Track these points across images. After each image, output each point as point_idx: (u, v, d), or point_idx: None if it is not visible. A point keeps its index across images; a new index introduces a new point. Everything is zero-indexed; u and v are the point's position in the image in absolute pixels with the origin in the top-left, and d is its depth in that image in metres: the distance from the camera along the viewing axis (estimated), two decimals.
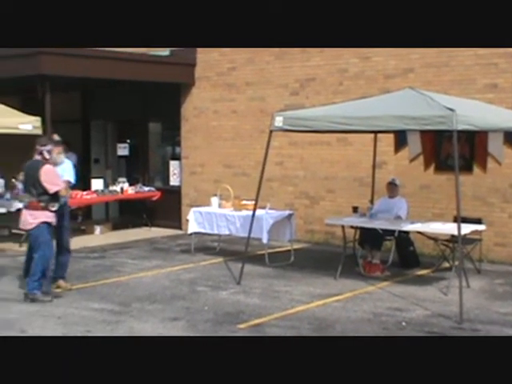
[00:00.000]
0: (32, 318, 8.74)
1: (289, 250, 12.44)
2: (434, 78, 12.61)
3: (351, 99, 11.82)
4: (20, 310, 9.10)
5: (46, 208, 9.36)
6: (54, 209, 9.42)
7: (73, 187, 11.19)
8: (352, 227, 11.57)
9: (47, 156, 9.47)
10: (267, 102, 14.72)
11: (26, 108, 13.50)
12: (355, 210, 11.96)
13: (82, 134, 18.26)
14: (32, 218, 9.39)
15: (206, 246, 13.65)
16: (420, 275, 11.24)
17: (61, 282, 10.19)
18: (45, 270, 9.52)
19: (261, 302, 9.54)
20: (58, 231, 10.01)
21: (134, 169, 17.12)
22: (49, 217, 9.42)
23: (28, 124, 12.62)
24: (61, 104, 14.61)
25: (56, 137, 10.29)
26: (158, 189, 16.26)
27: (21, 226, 9.82)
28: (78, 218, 15.60)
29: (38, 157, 9.51)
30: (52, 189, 9.33)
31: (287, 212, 12.47)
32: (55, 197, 9.41)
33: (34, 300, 9.40)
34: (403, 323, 8.49)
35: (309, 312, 9.01)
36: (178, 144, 16.47)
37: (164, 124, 17.16)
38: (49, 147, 9.52)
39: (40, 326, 8.38)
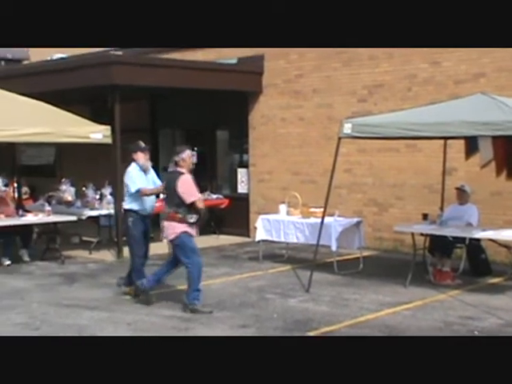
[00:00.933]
0: (103, 324, 8.84)
1: (357, 258, 12.33)
2: (507, 83, 12.35)
3: (420, 105, 11.67)
4: (91, 316, 9.21)
5: (183, 220, 9.22)
6: (192, 221, 9.23)
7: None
8: (422, 234, 11.40)
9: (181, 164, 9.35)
10: (335, 109, 14.65)
11: (96, 117, 13.69)
12: (425, 217, 11.78)
13: (151, 142, 18.42)
14: (171, 229, 9.33)
15: (273, 253, 13.62)
16: (492, 283, 11.02)
17: (129, 289, 10.28)
18: (199, 278, 9.53)
19: (330, 309, 9.47)
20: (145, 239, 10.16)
21: (202, 177, 17.17)
22: (187, 227, 9.29)
23: (98, 133, 12.76)
24: (129, 113, 14.79)
25: (141, 143, 10.31)
26: (225, 196, 16.32)
27: (163, 237, 9.92)
28: None
29: (174, 167, 9.43)
30: (188, 199, 9.17)
31: (356, 219, 12.38)
32: (193, 208, 9.24)
33: (194, 311, 9.30)
34: (476, 332, 8.32)
35: (379, 320, 8.90)
36: (246, 152, 16.51)
37: (231, 132, 17.21)
38: (183, 155, 9.39)
39: (111, 332, 8.46)
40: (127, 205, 10.11)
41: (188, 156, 9.37)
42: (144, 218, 10.08)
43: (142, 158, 10.07)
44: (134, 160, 10.15)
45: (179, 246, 9.37)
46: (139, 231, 10.03)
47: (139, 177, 10.03)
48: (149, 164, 10.21)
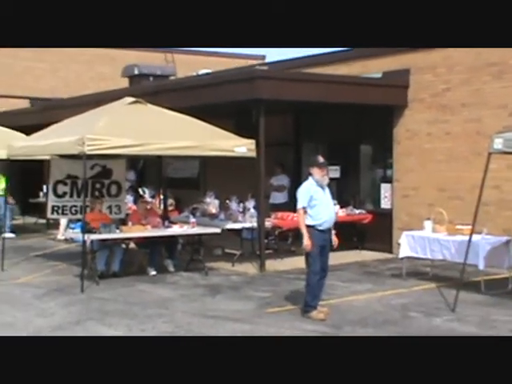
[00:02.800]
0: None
1: (506, 278, 11.85)
2: None
3: None
4: (233, 328, 9.25)
5: None
6: None
7: None
8: None
9: None
10: (484, 124, 14.19)
11: (240, 131, 13.84)
12: None
13: (294, 156, 18.48)
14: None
15: (417, 270, 13.31)
16: None
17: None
18: None
19: (478, 330, 9.12)
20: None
21: (345, 191, 17.05)
22: None
23: (243, 147, 12.88)
24: (273, 127, 14.85)
25: (320, 158, 10.19)
26: (368, 211, 16.12)
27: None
28: (289, 240, 15.73)
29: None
30: None
31: (505, 238, 11.91)
32: None
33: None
34: None
35: None
36: (390, 166, 16.25)
37: (375, 146, 17.00)
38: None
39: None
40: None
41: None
42: (321, 233, 9.81)
43: (318, 173, 9.83)
44: (310, 175, 9.99)
45: None
46: (316, 246, 9.73)
47: (314, 192, 9.78)
48: (325, 180, 9.95)
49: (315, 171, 9.85)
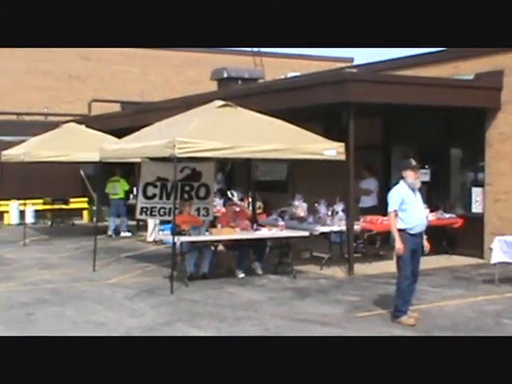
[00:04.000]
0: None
1: None
2: None
3: None
4: (322, 332, 9.21)
5: None
6: None
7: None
8: None
9: None
10: None
11: (329, 133, 13.77)
12: None
13: (383, 159, 18.29)
14: None
15: (510, 276, 12.98)
16: None
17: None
18: None
19: None
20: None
21: (435, 195, 16.78)
22: None
23: (332, 150, 12.83)
24: (362, 130, 14.72)
25: (412, 161, 10.07)
26: (459, 216, 15.82)
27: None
28: (377, 244, 15.58)
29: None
30: None
31: None
32: None
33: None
34: None
35: None
36: (481, 170, 15.91)
37: (466, 149, 16.66)
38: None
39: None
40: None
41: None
42: (413, 237, 9.69)
43: (411, 176, 9.71)
44: (402, 178, 9.86)
45: None
46: (407, 250, 9.60)
47: (406, 196, 9.65)
48: (418, 183, 9.84)
49: (408, 174, 9.71)
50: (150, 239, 18.40)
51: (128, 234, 20.24)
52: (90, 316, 10.27)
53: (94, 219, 17.94)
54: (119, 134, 16.79)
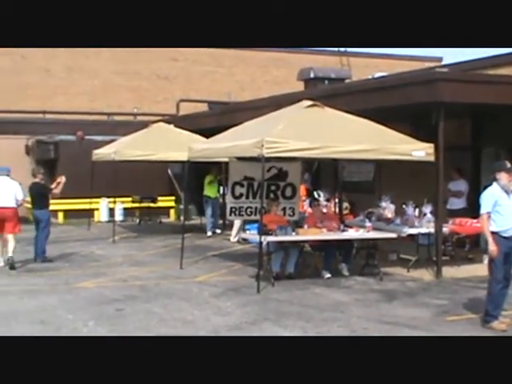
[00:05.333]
0: None
1: None
2: None
3: None
4: (411, 335, 9.07)
5: None
6: None
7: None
8: None
9: None
10: None
11: (417, 134, 13.57)
12: None
13: (472, 161, 17.93)
14: None
15: None
16: None
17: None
18: None
19: None
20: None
21: None
22: None
23: (421, 151, 12.66)
24: (450, 130, 14.45)
25: (507, 163, 9.79)
26: None
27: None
28: (466, 247, 15.30)
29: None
30: None
31: None
32: None
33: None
34: None
35: None
36: None
37: None
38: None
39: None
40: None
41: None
42: (506, 240, 9.44)
43: (505, 178, 9.50)
44: (495, 180, 9.63)
45: None
46: (500, 253, 9.36)
47: (499, 198, 9.44)
48: (511, 185, 9.56)
49: (502, 176, 9.48)
50: (233, 239, 18.43)
51: (218, 231, 20.45)
52: (177, 313, 10.39)
53: (182, 218, 18.16)
54: (206, 133, 16.94)
